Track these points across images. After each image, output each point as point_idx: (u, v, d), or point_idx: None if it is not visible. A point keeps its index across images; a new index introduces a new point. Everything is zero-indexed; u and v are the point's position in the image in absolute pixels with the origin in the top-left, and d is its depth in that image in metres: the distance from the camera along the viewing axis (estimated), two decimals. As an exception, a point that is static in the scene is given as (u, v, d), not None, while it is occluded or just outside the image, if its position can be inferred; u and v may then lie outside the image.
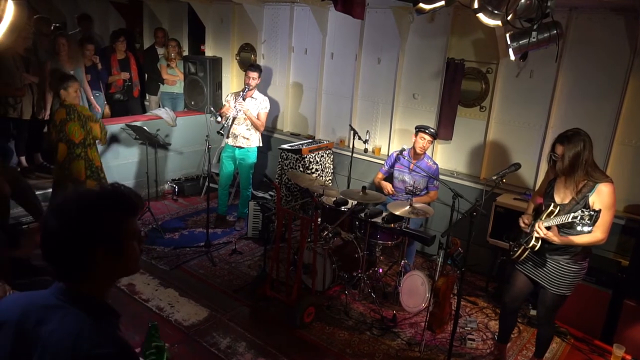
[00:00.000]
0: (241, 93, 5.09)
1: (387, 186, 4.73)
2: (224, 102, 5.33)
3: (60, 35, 5.91)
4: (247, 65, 5.48)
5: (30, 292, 1.35)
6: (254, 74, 5.10)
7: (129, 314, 3.70)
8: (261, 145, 5.46)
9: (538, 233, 2.93)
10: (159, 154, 6.24)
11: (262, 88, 6.59)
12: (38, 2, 7.45)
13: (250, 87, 5.10)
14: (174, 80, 7.02)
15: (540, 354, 3.44)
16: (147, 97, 7.44)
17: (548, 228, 2.91)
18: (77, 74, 5.80)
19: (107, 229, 1.28)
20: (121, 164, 5.84)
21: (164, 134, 5.89)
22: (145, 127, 5.21)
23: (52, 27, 6.38)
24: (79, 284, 1.29)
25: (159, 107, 6.96)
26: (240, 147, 5.31)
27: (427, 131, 4.48)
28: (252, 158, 5.44)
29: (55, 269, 1.29)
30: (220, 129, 5.04)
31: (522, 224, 3.18)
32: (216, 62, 6.35)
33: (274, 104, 6.55)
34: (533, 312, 4.08)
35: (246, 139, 5.28)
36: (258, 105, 5.24)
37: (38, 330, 1.23)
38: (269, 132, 6.55)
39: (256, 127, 5.28)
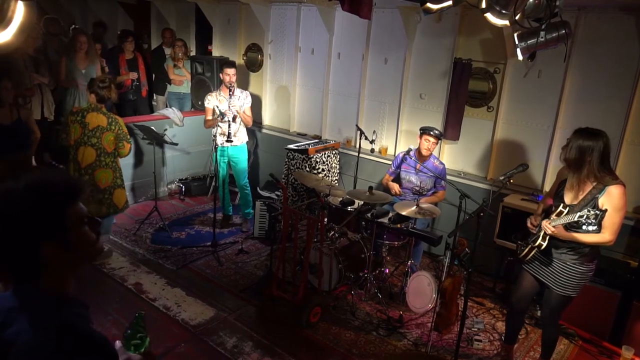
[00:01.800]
0: (230, 93, 5.06)
1: (395, 187, 4.72)
2: (207, 106, 5.16)
3: (80, 32, 5.96)
4: (222, 63, 5.30)
5: None
6: (233, 70, 5.08)
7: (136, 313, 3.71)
8: (247, 140, 5.49)
9: (545, 230, 2.95)
10: (166, 153, 6.28)
11: (271, 88, 6.61)
12: (47, 2, 7.50)
13: (233, 85, 5.07)
14: (181, 81, 7.05)
15: (547, 356, 3.42)
16: (155, 97, 7.49)
17: (555, 227, 2.92)
18: (90, 71, 5.84)
19: (46, 223, 1.19)
20: (128, 164, 5.87)
21: (171, 133, 5.92)
22: (152, 127, 5.24)
23: (64, 29, 6.45)
24: (37, 281, 1.23)
25: (167, 107, 7.00)
26: (234, 146, 5.29)
27: (431, 133, 4.46)
28: (246, 154, 5.48)
29: (6, 272, 1.23)
30: (228, 136, 5.02)
31: (529, 225, 3.19)
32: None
33: (281, 104, 6.57)
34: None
35: (237, 137, 5.27)
36: (243, 101, 5.25)
37: (4, 334, 1.19)
38: (275, 132, 6.57)
39: (246, 123, 5.30)
